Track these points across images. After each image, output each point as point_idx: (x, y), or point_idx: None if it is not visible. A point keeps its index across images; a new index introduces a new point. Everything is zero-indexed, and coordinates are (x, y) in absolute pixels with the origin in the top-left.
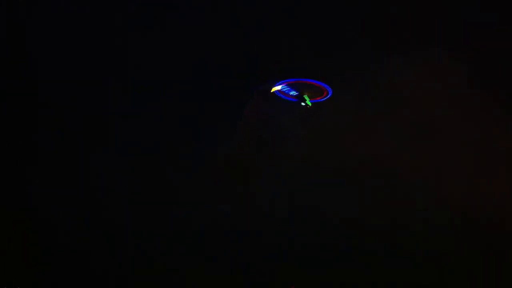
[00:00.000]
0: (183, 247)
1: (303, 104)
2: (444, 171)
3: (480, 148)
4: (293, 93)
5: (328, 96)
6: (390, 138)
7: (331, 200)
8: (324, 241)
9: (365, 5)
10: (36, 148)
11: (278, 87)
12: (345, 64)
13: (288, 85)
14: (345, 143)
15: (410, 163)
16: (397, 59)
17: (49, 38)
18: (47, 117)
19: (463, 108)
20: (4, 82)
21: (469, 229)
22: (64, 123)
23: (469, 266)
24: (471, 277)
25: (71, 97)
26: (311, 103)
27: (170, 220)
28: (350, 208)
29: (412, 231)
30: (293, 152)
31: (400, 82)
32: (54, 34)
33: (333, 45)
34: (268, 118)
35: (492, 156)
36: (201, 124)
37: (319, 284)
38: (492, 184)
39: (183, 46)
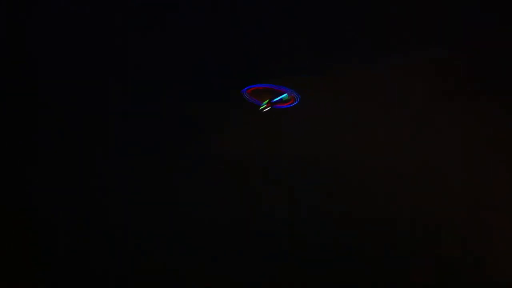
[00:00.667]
0: (183, 247)
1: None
2: (444, 171)
3: (480, 148)
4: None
5: (296, 103)
6: (390, 138)
7: (330, 199)
8: (324, 241)
9: (365, 5)
10: (36, 148)
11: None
12: (344, 63)
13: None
14: (345, 143)
15: (409, 164)
16: (397, 59)
17: (49, 38)
18: (47, 117)
19: (462, 109)
20: (4, 82)
21: (467, 230)
22: (64, 123)
23: (468, 268)
24: (471, 278)
25: (71, 97)
26: (265, 106)
27: (170, 220)
28: (349, 207)
29: (412, 231)
30: (293, 151)
31: (400, 82)
32: (54, 34)
33: (333, 45)
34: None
35: (492, 157)
36: (201, 124)
37: (319, 284)
38: (492, 185)
39: (183, 46)
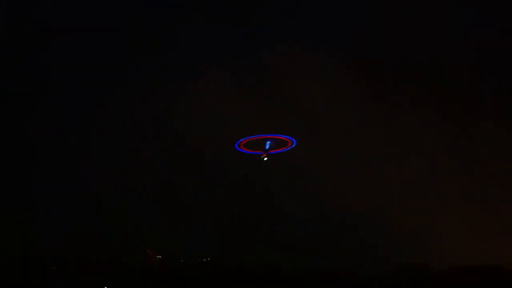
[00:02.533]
0: (184, 246)
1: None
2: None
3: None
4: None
5: (293, 146)
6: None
7: None
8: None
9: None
10: (36, 148)
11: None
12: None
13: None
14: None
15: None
16: None
17: (50, 39)
18: (47, 117)
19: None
20: (4, 82)
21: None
22: (64, 123)
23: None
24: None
25: (71, 97)
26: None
27: (170, 220)
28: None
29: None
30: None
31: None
32: (54, 34)
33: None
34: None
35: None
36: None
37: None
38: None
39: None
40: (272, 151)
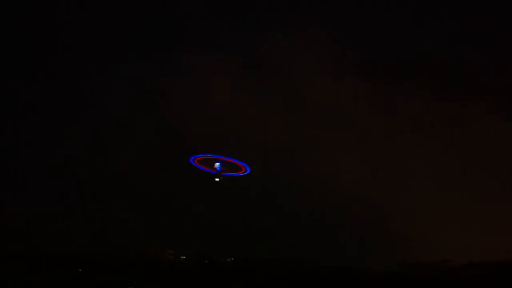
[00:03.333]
0: (183, 245)
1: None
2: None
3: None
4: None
5: (246, 173)
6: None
7: None
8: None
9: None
10: (34, 148)
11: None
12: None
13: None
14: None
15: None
16: None
17: (49, 39)
18: (45, 117)
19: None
20: (4, 82)
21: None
22: (61, 122)
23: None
24: None
25: (68, 98)
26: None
27: (170, 219)
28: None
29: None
30: None
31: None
32: (53, 35)
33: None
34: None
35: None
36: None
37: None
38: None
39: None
40: (226, 173)
